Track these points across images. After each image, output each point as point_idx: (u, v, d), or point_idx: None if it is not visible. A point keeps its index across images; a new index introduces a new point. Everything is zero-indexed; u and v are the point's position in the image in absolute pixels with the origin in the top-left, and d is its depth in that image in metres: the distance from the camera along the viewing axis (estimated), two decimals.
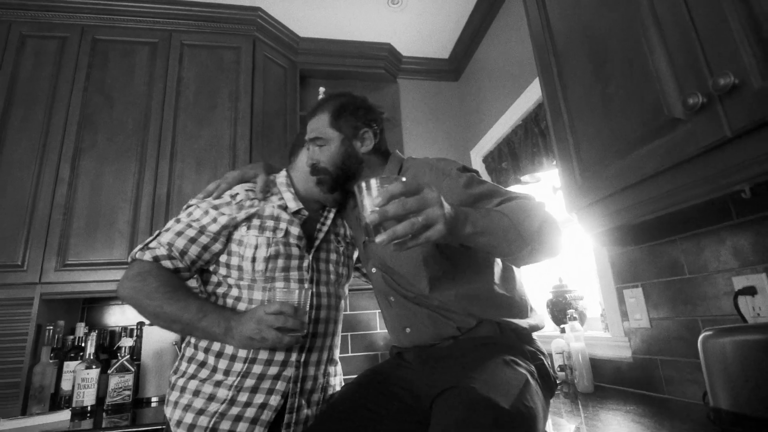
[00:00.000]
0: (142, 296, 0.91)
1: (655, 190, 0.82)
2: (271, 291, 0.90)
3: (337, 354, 1.12)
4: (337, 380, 1.11)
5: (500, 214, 0.76)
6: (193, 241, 0.98)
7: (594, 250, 1.44)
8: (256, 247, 0.99)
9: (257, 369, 0.93)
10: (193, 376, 0.95)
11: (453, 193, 0.87)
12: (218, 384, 0.93)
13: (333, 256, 1.12)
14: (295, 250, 1.03)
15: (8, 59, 1.93)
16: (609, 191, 0.93)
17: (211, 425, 0.88)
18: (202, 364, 0.96)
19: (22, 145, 1.84)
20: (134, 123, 1.96)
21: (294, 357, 0.97)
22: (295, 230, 1.05)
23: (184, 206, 1.06)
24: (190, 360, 0.98)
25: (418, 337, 0.94)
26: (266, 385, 0.93)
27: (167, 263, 0.97)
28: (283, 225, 1.04)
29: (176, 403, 0.92)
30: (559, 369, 1.43)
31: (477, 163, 2.41)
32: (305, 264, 1.05)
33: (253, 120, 2.07)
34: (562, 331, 1.60)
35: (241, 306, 0.99)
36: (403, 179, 0.66)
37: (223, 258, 1.01)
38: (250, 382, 0.92)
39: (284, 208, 1.07)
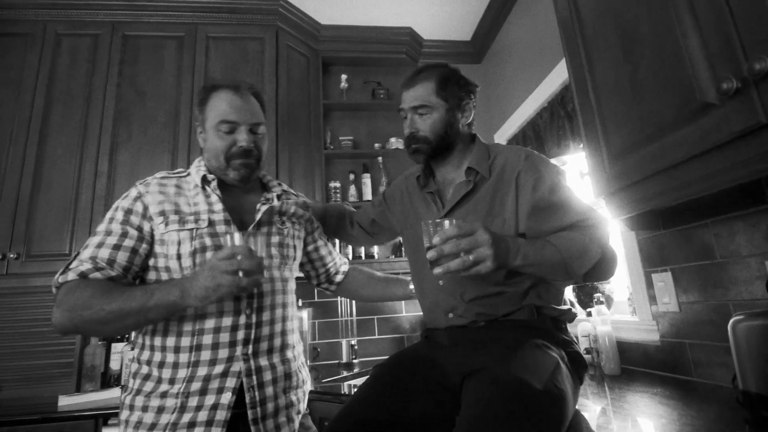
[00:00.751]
0: (79, 310, 0.84)
1: (686, 175, 0.81)
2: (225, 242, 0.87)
3: (293, 338, 1.07)
4: (299, 363, 1.08)
5: (554, 249, 0.84)
6: (117, 247, 0.92)
7: (621, 234, 1.43)
8: (179, 243, 0.94)
9: (202, 371, 0.89)
10: (138, 392, 0.91)
11: (535, 191, 0.93)
12: (164, 395, 0.89)
13: (275, 239, 1.06)
14: (224, 240, 0.94)
15: (45, 58, 2.02)
16: (638, 177, 0.93)
17: None
18: (146, 377, 0.91)
19: (64, 141, 1.94)
20: (165, 115, 2.03)
21: (239, 351, 0.92)
22: (218, 216, 0.99)
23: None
24: (135, 375, 0.93)
25: (458, 319, 0.97)
26: (214, 385, 0.89)
27: (96, 275, 0.89)
28: (204, 215, 0.98)
29: (127, 422, 0.90)
30: (585, 352, 1.44)
31: None
32: None
33: (278, 110, 2.11)
34: (589, 314, 1.61)
35: (187, 310, 0.91)
36: (454, 221, 0.78)
37: (150, 261, 0.96)
38: (196, 386, 0.89)
39: (206, 196, 1.01)
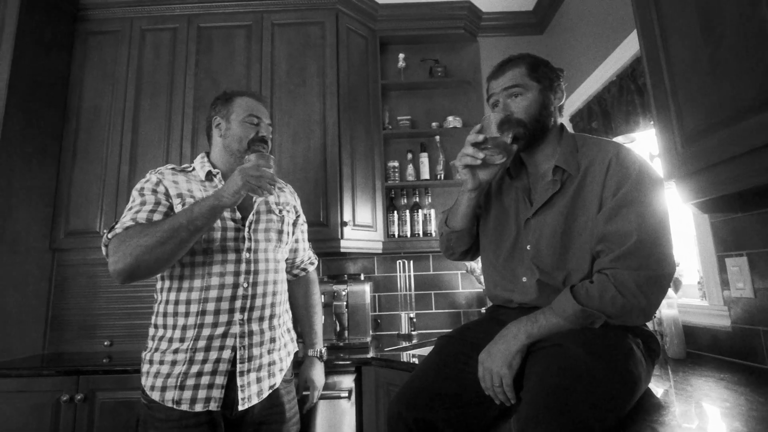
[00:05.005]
0: (136, 240, 1.01)
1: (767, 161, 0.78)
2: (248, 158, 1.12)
3: (280, 309, 1.25)
4: (284, 329, 1.26)
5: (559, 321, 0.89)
6: (153, 211, 1.10)
7: (693, 216, 1.38)
8: None
9: (206, 332, 1.09)
10: (155, 350, 1.11)
11: (617, 191, 0.91)
12: (176, 351, 1.08)
13: (272, 225, 1.25)
14: (230, 224, 1.16)
15: (133, 53, 2.23)
16: (713, 160, 0.90)
17: (178, 383, 1.06)
18: (161, 339, 1.11)
19: (152, 127, 2.16)
20: None
21: (237, 317, 1.12)
22: None
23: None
24: (153, 338, 1.13)
25: (529, 300, 1.00)
26: (216, 343, 1.09)
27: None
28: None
29: (147, 373, 1.10)
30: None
31: (564, 123, 2.31)
32: (241, 235, 1.17)
33: (339, 92, 2.19)
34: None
35: (195, 282, 1.11)
36: None
37: None
38: (202, 343, 1.08)
39: (204, 182, 1.21)
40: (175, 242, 1.01)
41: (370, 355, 1.74)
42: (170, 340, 1.10)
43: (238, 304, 1.13)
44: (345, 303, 1.94)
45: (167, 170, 1.22)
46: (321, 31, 2.25)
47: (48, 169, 2.10)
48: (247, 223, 1.19)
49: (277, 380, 1.18)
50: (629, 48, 1.68)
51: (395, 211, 2.36)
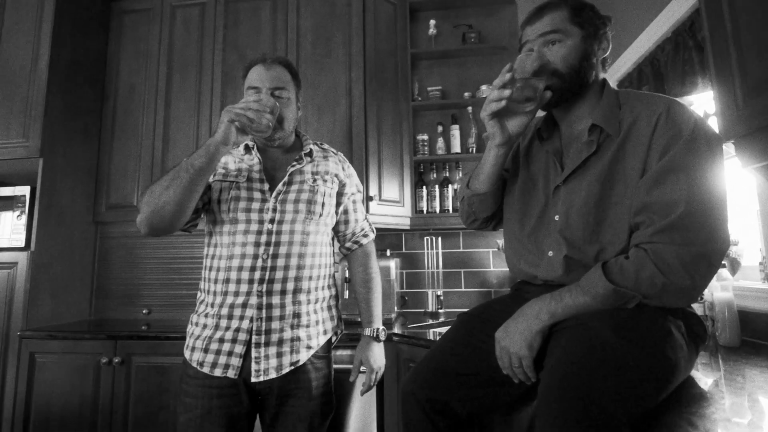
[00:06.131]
0: (149, 193, 1.07)
1: None
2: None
3: (309, 284, 1.18)
4: (318, 307, 1.20)
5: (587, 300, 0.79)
6: None
7: (757, 186, 1.20)
8: (220, 191, 1.16)
9: (229, 300, 1.11)
10: (195, 312, 1.18)
11: (665, 152, 0.79)
12: (206, 315, 1.13)
13: (305, 195, 1.19)
14: (257, 194, 1.15)
15: (164, 30, 2.27)
16: None
17: (204, 345, 1.11)
18: (201, 302, 1.17)
19: (183, 104, 2.20)
20: None
21: (255, 288, 1.11)
22: (256, 175, 1.18)
23: None
24: (197, 301, 1.20)
25: (560, 278, 0.90)
26: (237, 312, 1.11)
27: None
28: (245, 173, 1.18)
29: (189, 333, 1.17)
30: None
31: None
32: (267, 206, 1.15)
33: (366, 63, 2.11)
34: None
35: (224, 251, 1.14)
36: None
37: (209, 199, 1.18)
38: (225, 311, 1.11)
39: (242, 155, 1.21)
40: (179, 185, 1.03)
41: (393, 331, 1.71)
42: (205, 304, 1.16)
43: (257, 275, 1.12)
44: None
45: None
46: None
47: (90, 146, 2.20)
48: (274, 194, 1.17)
49: (302, 357, 1.14)
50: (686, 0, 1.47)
51: (424, 186, 2.28)
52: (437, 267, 2.29)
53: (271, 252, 1.14)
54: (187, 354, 1.13)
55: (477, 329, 0.95)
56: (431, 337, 1.64)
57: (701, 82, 1.48)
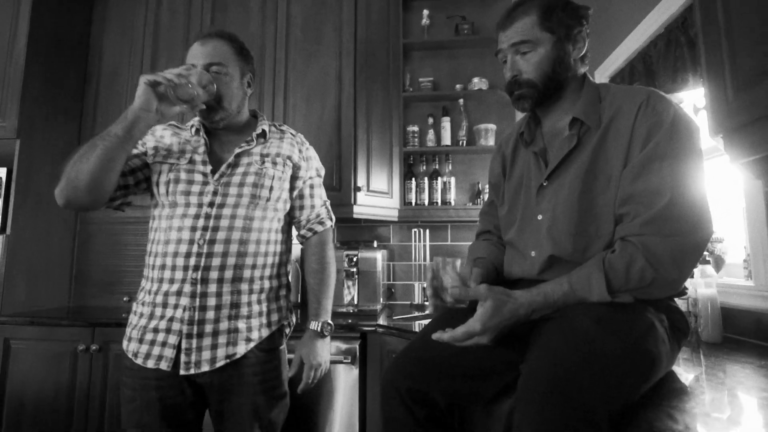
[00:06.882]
0: (66, 162, 1.00)
1: None
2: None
3: (252, 273, 1.12)
4: (261, 297, 1.14)
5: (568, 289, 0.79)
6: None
7: (744, 183, 1.20)
8: (159, 173, 1.11)
9: (164, 287, 1.06)
10: (135, 300, 1.13)
11: (647, 141, 0.78)
12: (143, 303, 1.09)
13: (250, 178, 1.13)
14: (197, 177, 1.10)
15: (150, 12, 2.20)
16: None
17: (139, 336, 1.06)
18: (141, 289, 1.12)
19: None
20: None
21: (190, 275, 1.05)
22: (199, 157, 1.12)
23: None
24: (138, 290, 1.15)
25: (543, 277, 0.89)
26: (171, 300, 1.05)
27: None
28: (188, 155, 1.13)
29: (128, 323, 1.12)
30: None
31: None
32: (208, 189, 1.10)
33: (356, 51, 2.07)
34: (690, 275, 1.42)
35: (161, 235, 1.10)
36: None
37: (148, 178, 1.15)
38: (160, 299, 1.06)
39: (191, 137, 1.16)
40: (93, 153, 0.97)
41: (377, 322, 1.69)
42: (144, 292, 1.11)
43: (192, 261, 1.05)
44: (355, 269, 1.89)
45: (167, 125, 1.21)
46: None
47: (70, 129, 2.13)
48: (216, 176, 1.11)
49: (239, 350, 1.07)
50: None
51: (413, 178, 2.26)
52: (425, 259, 2.28)
53: (208, 237, 1.07)
54: (124, 344, 1.08)
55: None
56: (416, 329, 1.63)
57: (692, 78, 1.47)
